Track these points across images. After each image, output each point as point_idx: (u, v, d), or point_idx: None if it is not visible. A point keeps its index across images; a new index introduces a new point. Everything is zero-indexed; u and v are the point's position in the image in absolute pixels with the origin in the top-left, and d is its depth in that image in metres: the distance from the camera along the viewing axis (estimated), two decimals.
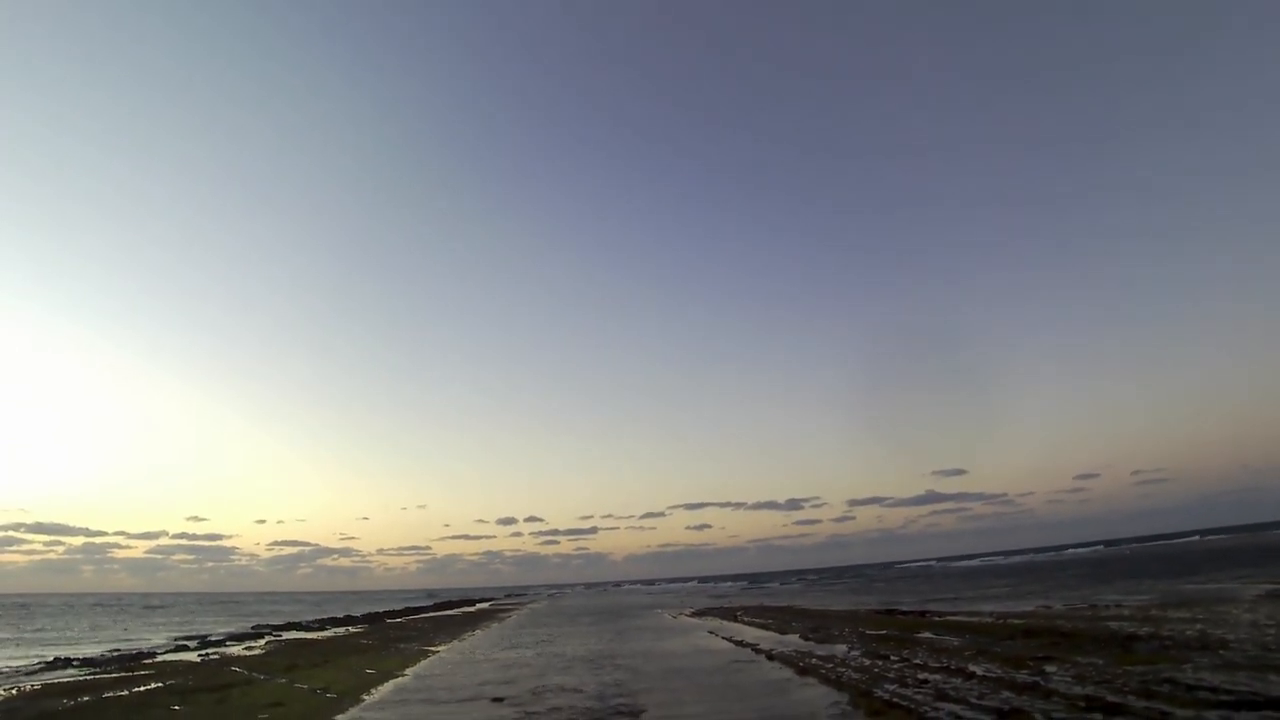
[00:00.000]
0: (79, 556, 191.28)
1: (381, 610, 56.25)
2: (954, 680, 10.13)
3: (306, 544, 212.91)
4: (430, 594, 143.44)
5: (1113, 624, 16.12)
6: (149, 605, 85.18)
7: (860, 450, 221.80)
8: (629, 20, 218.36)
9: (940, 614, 23.30)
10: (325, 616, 47.63)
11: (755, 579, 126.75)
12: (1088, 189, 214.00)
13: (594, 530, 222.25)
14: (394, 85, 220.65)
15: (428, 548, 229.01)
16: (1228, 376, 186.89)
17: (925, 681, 10.20)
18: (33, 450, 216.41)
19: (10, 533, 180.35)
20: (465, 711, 10.47)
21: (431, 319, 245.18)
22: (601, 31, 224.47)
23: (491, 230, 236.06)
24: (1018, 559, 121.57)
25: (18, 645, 28.50)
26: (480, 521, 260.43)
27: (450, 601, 79.32)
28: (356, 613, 52.70)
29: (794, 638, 18.46)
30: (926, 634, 16.99)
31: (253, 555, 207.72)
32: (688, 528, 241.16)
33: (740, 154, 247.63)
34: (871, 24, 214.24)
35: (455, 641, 24.52)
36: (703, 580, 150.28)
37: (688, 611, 36.06)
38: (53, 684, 15.48)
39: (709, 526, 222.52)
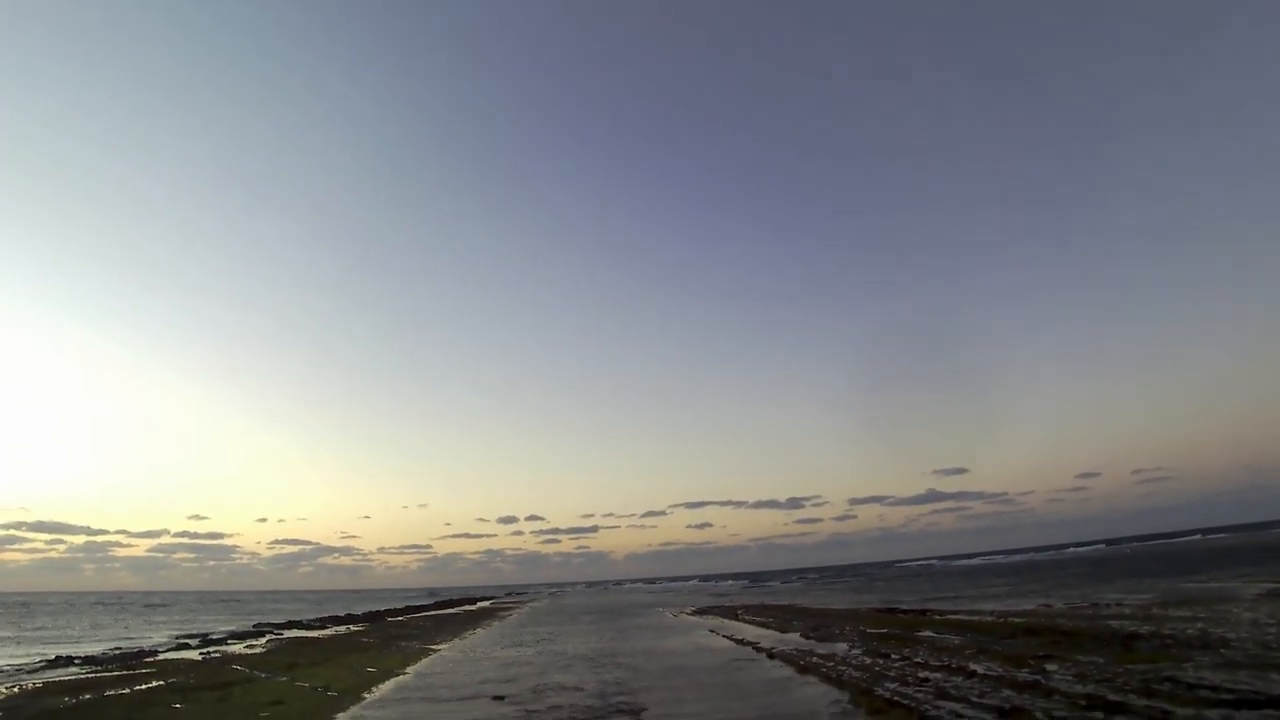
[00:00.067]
0: (80, 555, 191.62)
1: (382, 609, 56.33)
2: (955, 679, 10.13)
3: (307, 543, 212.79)
4: (431, 593, 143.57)
5: (1114, 623, 16.11)
6: (150, 604, 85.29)
7: (861, 449, 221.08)
8: (629, 20, 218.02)
9: (941, 613, 23.30)
10: (326, 615, 47.69)
11: (756, 578, 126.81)
12: (1088, 189, 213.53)
13: (595, 529, 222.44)
14: (394, 85, 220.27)
15: (429, 546, 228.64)
16: (1228, 376, 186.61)
17: (926, 680, 10.20)
18: (34, 449, 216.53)
19: (11, 531, 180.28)
20: (466, 709, 10.48)
21: (431, 319, 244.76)
22: (601, 31, 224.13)
23: (491, 230, 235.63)
24: (1018, 558, 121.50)
25: (19, 643, 28.54)
26: (481, 520, 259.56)
27: (451, 600, 79.41)
28: (357, 611, 52.74)
29: (795, 636, 18.47)
30: (927, 632, 16.99)
31: (254, 554, 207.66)
32: (689, 526, 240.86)
33: (740, 154, 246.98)
34: (871, 24, 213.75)
35: (456, 640, 24.55)
36: (704, 579, 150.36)
37: (688, 610, 36.07)
38: (54, 682, 15.50)
39: (710, 525, 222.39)
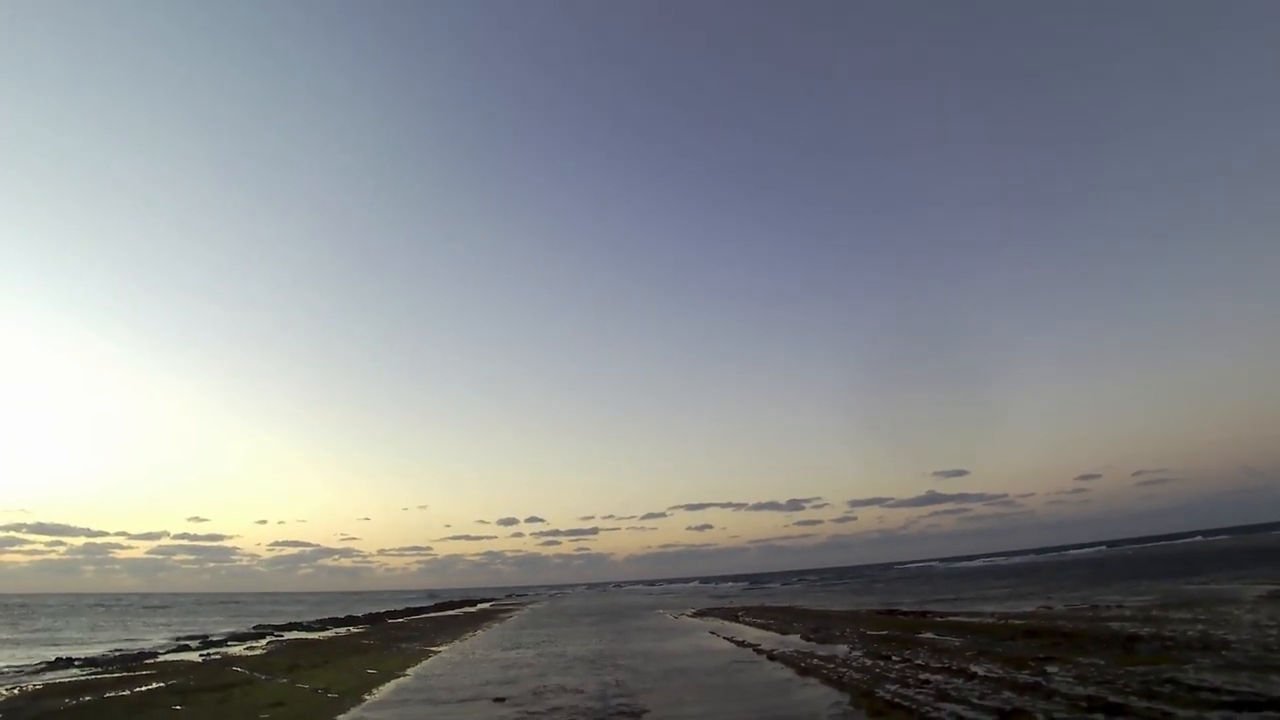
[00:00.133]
0: (80, 557, 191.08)
1: (382, 610, 56.25)
2: (955, 681, 10.13)
3: (307, 544, 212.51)
4: (431, 594, 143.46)
5: (1114, 624, 16.10)
6: (150, 605, 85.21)
7: (861, 451, 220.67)
8: (629, 20, 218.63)
9: (941, 614, 23.28)
10: (326, 617, 47.63)
11: (756, 579, 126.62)
12: (1088, 189, 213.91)
13: (595, 531, 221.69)
14: (394, 85, 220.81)
15: (429, 548, 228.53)
16: (1228, 376, 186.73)
17: (927, 682, 10.19)
18: (34, 450, 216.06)
19: (11, 533, 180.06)
20: (466, 711, 10.48)
21: (431, 319, 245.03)
22: (601, 31, 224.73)
23: (491, 230, 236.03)
24: (1019, 560, 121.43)
25: (19, 645, 28.52)
26: (481, 522, 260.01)
27: (451, 602, 79.32)
28: (357, 613, 52.68)
29: (795, 638, 18.45)
30: (928, 634, 16.98)
31: (254, 555, 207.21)
32: (689, 528, 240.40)
33: (740, 154, 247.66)
34: (871, 24, 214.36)
35: (456, 642, 24.54)
36: (704, 581, 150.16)
37: (689, 612, 36.05)
38: (54, 684, 15.50)
39: (710, 527, 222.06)
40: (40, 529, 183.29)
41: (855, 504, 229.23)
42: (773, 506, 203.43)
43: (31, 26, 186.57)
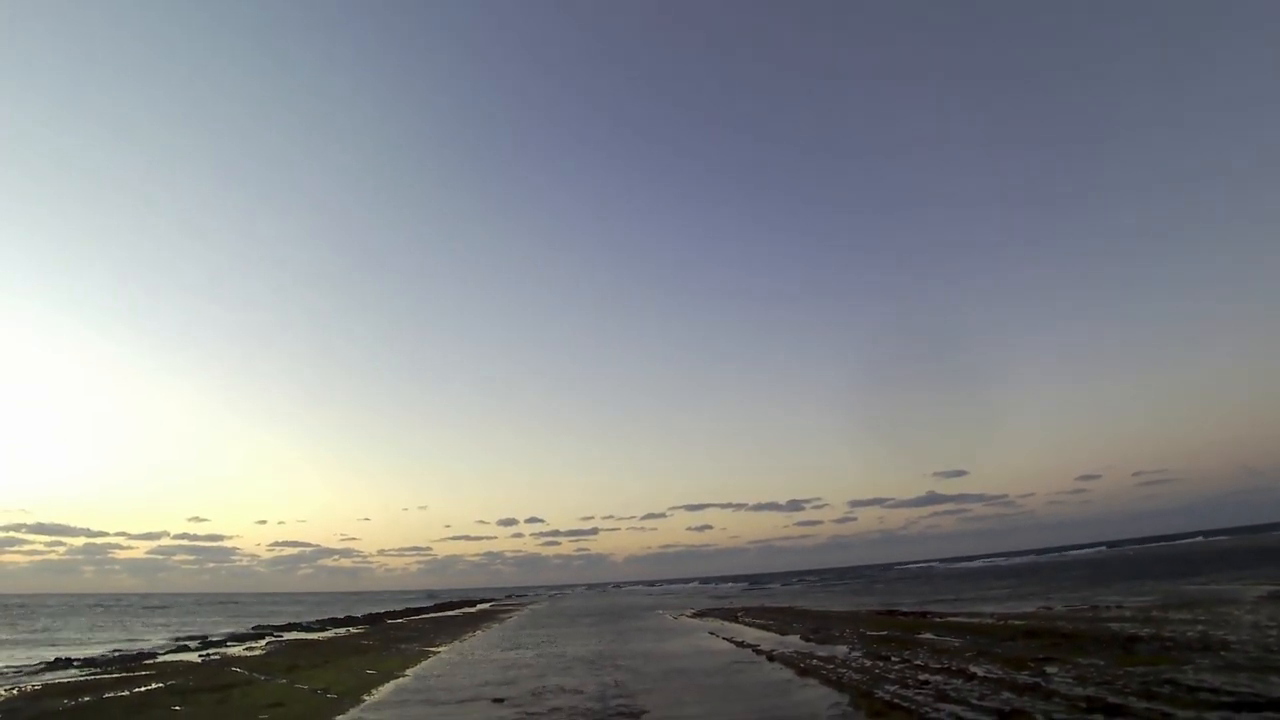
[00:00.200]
0: (80, 557, 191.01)
1: (382, 611, 56.25)
2: (955, 681, 10.12)
3: (307, 545, 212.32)
4: (431, 595, 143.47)
5: (1114, 625, 16.10)
6: (149, 606, 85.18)
7: (861, 451, 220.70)
8: (629, 20, 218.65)
9: (941, 615, 23.28)
10: (326, 617, 47.61)
11: (756, 580, 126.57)
12: (1088, 189, 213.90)
13: (595, 531, 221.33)
14: (394, 85, 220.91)
15: (428, 548, 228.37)
16: (1228, 376, 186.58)
17: (926, 682, 10.18)
18: (33, 450, 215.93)
19: (11, 533, 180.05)
20: (465, 712, 10.47)
21: (431, 319, 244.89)
22: (601, 31, 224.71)
23: (491, 230, 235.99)
24: (1019, 560, 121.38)
25: (18, 645, 28.51)
26: (481, 522, 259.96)
27: (451, 602, 79.33)
28: (357, 613, 52.69)
29: (795, 639, 18.44)
30: (927, 635, 16.97)
31: (253, 556, 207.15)
32: (689, 529, 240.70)
33: (740, 154, 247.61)
34: (871, 24, 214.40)
35: (456, 642, 24.52)
36: (704, 581, 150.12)
37: (688, 612, 36.03)
38: (53, 684, 15.49)
39: (710, 527, 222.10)
40: (40, 529, 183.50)
41: (855, 504, 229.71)
42: (773, 507, 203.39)
43: (31, 26, 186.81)
